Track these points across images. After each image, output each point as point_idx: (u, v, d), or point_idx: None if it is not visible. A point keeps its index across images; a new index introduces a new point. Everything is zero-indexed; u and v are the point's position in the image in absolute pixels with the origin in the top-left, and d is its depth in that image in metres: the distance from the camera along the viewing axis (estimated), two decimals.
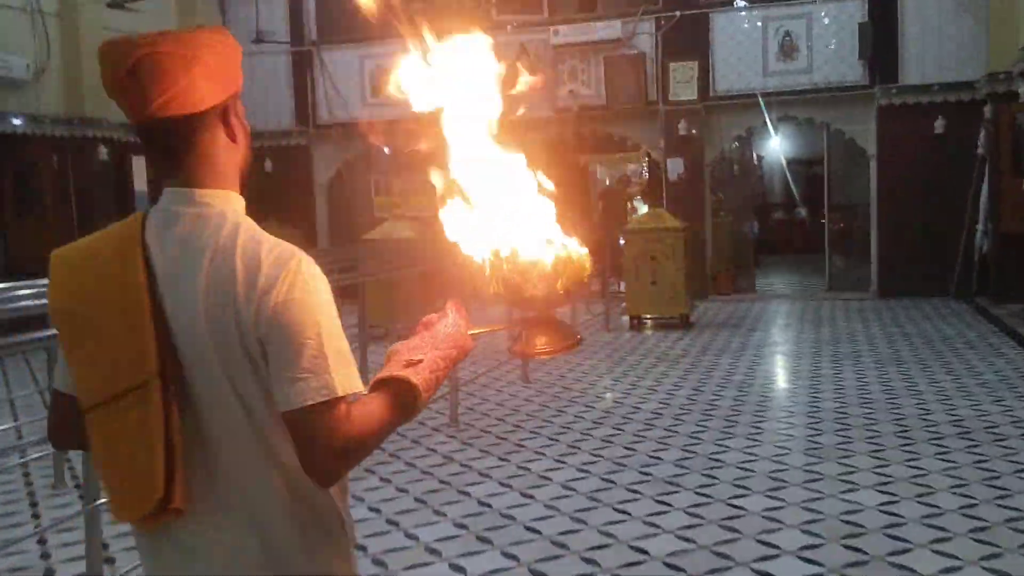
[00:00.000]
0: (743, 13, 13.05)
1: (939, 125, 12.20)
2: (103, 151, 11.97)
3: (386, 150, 16.00)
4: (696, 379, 7.63)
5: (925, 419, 6.06)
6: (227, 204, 1.38)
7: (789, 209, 21.24)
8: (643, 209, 18.61)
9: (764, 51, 13.03)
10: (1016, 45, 10.85)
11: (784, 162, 19.82)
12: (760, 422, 6.15)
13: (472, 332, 1.50)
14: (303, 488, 1.35)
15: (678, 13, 13.21)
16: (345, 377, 1.29)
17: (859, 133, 12.87)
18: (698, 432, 5.94)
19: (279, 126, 15.19)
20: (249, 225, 1.37)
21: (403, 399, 1.35)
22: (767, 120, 13.06)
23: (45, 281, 1.43)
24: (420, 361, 1.39)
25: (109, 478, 1.35)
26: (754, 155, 20.03)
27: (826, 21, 12.68)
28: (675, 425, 6.15)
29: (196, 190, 1.36)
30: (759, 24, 13.01)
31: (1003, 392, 6.73)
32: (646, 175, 19.08)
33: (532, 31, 13.97)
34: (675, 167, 13.66)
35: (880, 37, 12.35)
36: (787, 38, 12.93)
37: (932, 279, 12.31)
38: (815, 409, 6.43)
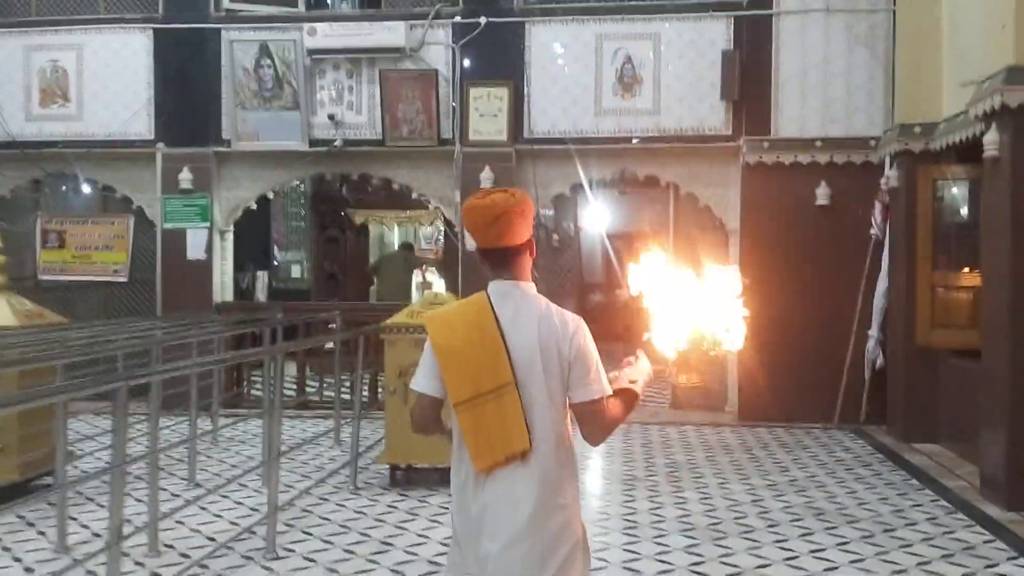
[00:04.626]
0: (569, 24, 9.58)
1: (822, 194, 9.11)
2: None
3: (86, 186, 11.34)
4: None
5: None
6: (533, 290, 2.51)
7: (609, 290, 18.12)
8: (439, 285, 14.76)
9: (598, 81, 9.59)
10: (938, 86, 7.92)
11: (604, 233, 16.52)
12: None
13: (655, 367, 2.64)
14: (565, 443, 2.45)
15: (483, 19, 9.58)
16: (606, 385, 2.44)
17: (717, 199, 9.61)
18: None
19: None
20: (547, 300, 2.50)
21: (631, 400, 2.49)
22: (582, 179, 9.62)
23: None
24: (636, 381, 2.52)
25: (477, 442, 2.38)
26: (571, 223, 16.80)
27: (678, 44, 9.43)
28: None
29: (518, 282, 2.49)
30: (591, 43, 9.57)
31: None
32: (441, 240, 15.27)
33: (277, 28, 9.89)
34: None
35: (749, 72, 9.21)
36: (628, 65, 9.56)
37: (808, 399, 9.06)
38: None
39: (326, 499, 6.13)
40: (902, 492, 6.40)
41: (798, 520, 5.66)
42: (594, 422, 2.39)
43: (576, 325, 2.43)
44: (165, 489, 6.27)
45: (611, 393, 2.43)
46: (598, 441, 2.43)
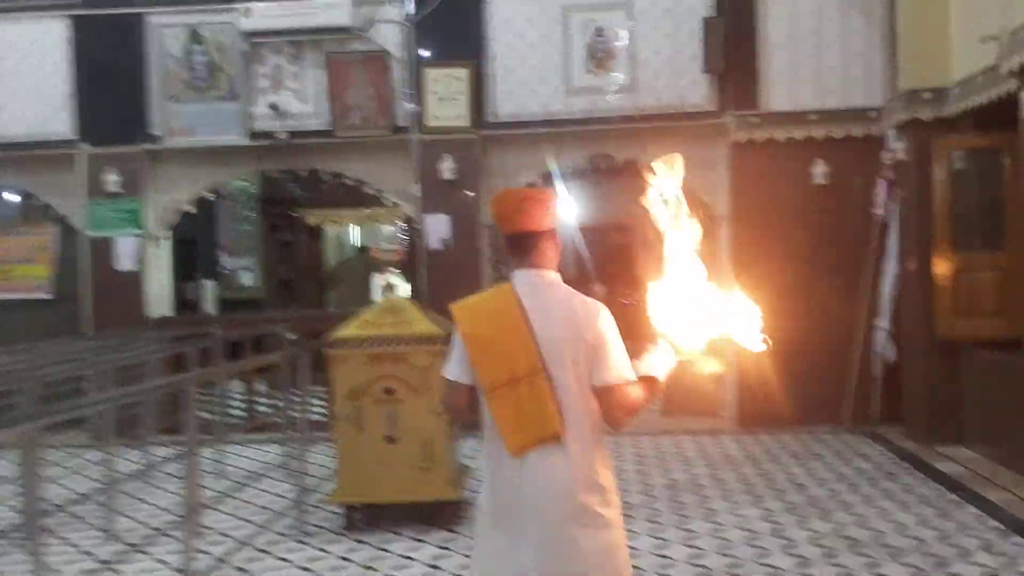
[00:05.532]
0: None
1: (819, 172, 8.26)
2: None
3: (3, 193, 10.26)
4: None
5: None
6: (556, 277, 2.55)
7: (582, 286, 17.11)
8: (404, 289, 13.72)
9: (567, 57, 8.66)
10: (946, 46, 7.08)
11: (578, 226, 15.48)
12: None
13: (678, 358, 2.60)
14: (596, 426, 2.48)
15: None
16: (628, 370, 2.46)
17: (702, 182, 8.68)
18: None
19: None
20: (570, 288, 2.53)
21: (653, 386, 2.50)
22: (554, 166, 8.69)
23: None
24: (655, 367, 2.51)
25: (510, 427, 2.42)
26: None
27: (653, 13, 8.52)
28: None
29: (542, 270, 2.55)
30: (557, 15, 8.64)
31: None
32: (405, 239, 14.23)
33: (209, 10, 8.85)
34: (437, 228, 8.87)
35: (733, 41, 8.33)
36: (599, 38, 8.64)
37: (814, 400, 8.19)
38: None
39: (267, 551, 5.13)
40: (941, 510, 5.53)
41: (832, 556, 4.75)
42: (615, 406, 2.45)
43: (598, 311, 2.48)
44: (76, 545, 5.28)
45: (634, 378, 2.47)
46: (620, 425, 2.49)
